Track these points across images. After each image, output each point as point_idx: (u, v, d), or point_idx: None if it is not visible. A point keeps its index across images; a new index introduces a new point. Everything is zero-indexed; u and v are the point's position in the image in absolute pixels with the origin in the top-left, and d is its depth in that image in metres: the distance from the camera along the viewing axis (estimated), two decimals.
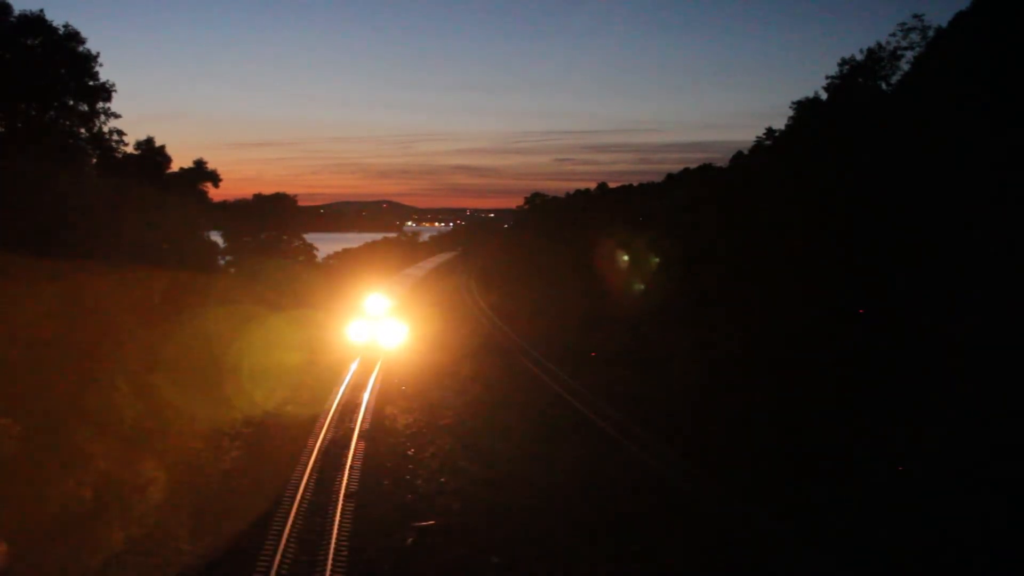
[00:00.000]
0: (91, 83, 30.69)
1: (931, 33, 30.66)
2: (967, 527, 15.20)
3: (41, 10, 29.30)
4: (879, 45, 32.67)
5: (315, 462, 19.02)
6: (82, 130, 31.15)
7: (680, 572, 14.28)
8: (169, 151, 36.89)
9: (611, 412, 25.26)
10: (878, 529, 15.48)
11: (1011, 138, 23.27)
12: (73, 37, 29.97)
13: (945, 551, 14.45)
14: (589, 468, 19.56)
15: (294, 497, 16.41)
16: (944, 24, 30.19)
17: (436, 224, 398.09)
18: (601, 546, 14.99)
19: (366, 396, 26.74)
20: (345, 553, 14.13)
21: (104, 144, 31.89)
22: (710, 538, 15.44)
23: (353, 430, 22.37)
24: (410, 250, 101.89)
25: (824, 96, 35.49)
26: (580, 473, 19.14)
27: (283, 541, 14.12)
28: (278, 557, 13.50)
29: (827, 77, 34.68)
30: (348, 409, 24.98)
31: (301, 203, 60.85)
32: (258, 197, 54.59)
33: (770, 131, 44.63)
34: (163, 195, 33.24)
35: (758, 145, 46.78)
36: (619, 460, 20.56)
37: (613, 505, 17.06)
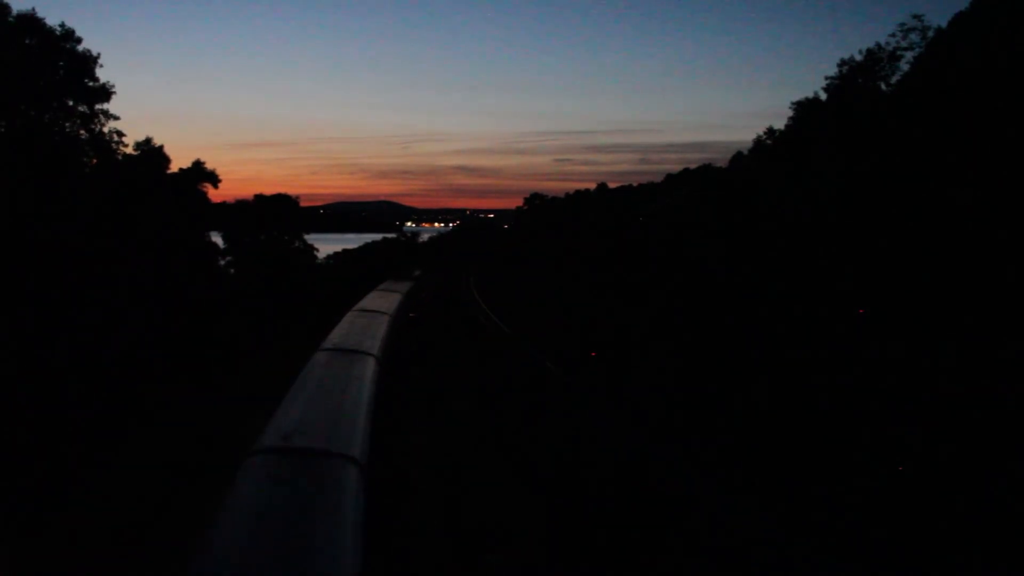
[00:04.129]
0: (90, 84, 30.63)
1: (931, 33, 30.61)
2: None
3: (33, 9, 29.20)
4: (878, 46, 32.65)
5: None
6: (82, 132, 31.09)
7: None
8: (168, 152, 36.83)
9: None
10: None
11: (1011, 137, 23.27)
12: (69, 37, 29.89)
13: None
14: None
15: None
16: (944, 24, 30.17)
17: (436, 224, 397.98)
18: None
19: None
20: None
21: (103, 146, 31.82)
22: None
23: None
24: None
25: (824, 96, 35.50)
26: None
27: None
28: None
29: (826, 78, 34.69)
30: None
31: (301, 203, 60.63)
32: (259, 198, 54.46)
33: (770, 131, 44.63)
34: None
35: (758, 145, 46.78)
36: None
37: None
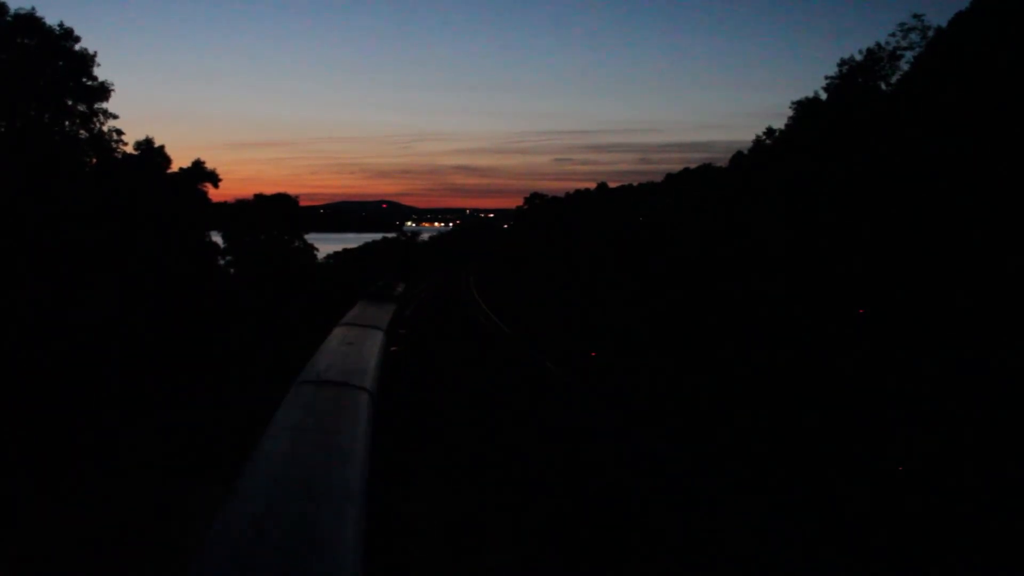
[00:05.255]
0: (89, 83, 30.63)
1: (931, 33, 30.59)
2: None
3: (33, 8, 29.19)
4: (878, 45, 32.63)
5: None
6: (81, 131, 31.08)
7: None
8: (169, 151, 36.82)
9: None
10: None
11: (1011, 137, 23.26)
12: (68, 36, 29.89)
13: None
14: None
15: None
16: (944, 24, 30.14)
17: (436, 224, 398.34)
18: None
19: None
20: None
21: (103, 145, 31.81)
22: None
23: None
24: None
25: (824, 96, 35.49)
26: None
27: None
28: None
29: (827, 77, 34.68)
30: None
31: (301, 203, 60.65)
32: (259, 197, 54.48)
33: (770, 131, 44.61)
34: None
35: (758, 145, 46.76)
36: None
37: None
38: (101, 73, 31.77)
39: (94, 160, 32.15)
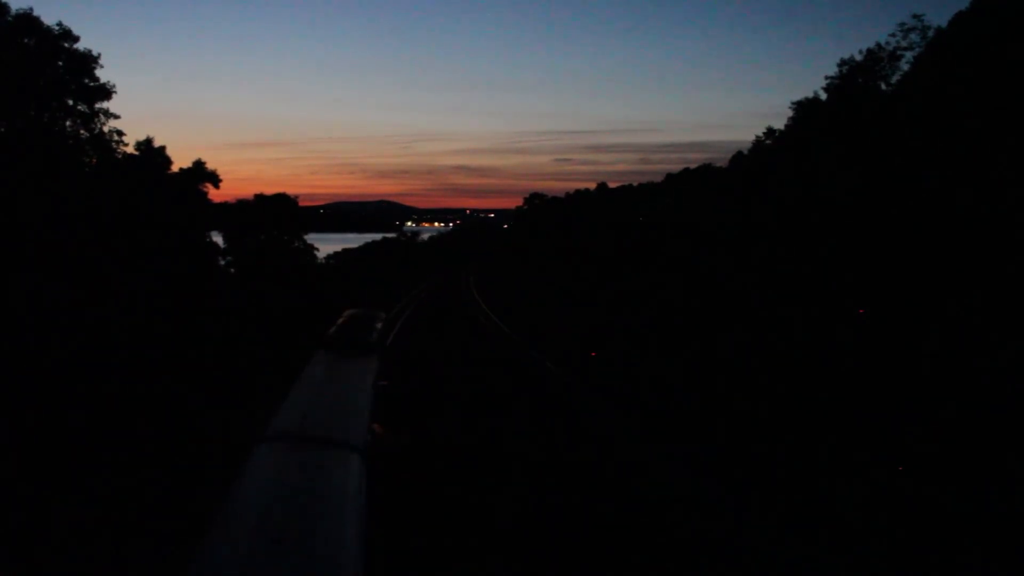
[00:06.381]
0: (90, 83, 30.64)
1: (931, 33, 30.61)
2: None
3: (30, 8, 29.17)
4: (878, 46, 32.65)
5: None
6: (82, 131, 31.10)
7: None
8: (169, 151, 36.82)
9: None
10: None
11: (1012, 137, 23.29)
12: (67, 36, 29.88)
13: None
14: None
15: None
16: (944, 24, 30.16)
17: (436, 224, 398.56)
18: None
19: None
20: None
21: (104, 145, 31.83)
22: None
23: None
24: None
25: (824, 96, 35.51)
26: None
27: None
28: None
29: (827, 77, 34.69)
30: None
31: (301, 203, 60.78)
32: (259, 197, 54.57)
33: (770, 131, 44.63)
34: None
35: (758, 145, 46.78)
36: None
37: None
38: (102, 73, 31.78)
39: (94, 160, 32.16)
